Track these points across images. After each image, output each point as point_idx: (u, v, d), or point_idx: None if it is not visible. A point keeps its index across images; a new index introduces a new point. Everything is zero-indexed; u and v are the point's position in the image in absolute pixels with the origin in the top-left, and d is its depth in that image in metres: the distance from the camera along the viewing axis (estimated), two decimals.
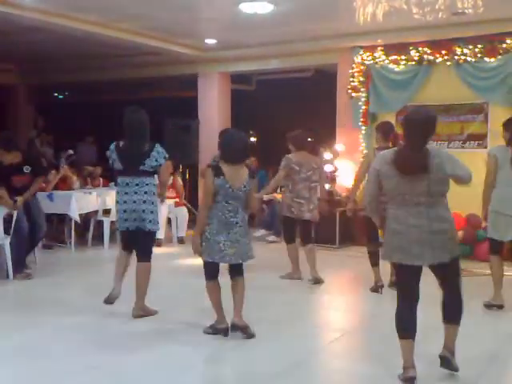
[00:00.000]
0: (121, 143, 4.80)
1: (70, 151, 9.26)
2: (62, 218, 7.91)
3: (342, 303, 5.70)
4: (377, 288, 5.62)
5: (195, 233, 4.26)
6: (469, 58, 7.59)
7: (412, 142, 3.43)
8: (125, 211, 4.74)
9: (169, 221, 8.53)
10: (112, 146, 4.81)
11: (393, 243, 3.48)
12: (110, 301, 4.82)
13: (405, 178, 3.39)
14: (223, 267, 4.35)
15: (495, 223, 5.04)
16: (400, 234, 3.44)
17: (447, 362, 3.56)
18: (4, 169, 6.05)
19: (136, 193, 4.73)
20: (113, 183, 8.08)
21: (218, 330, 4.35)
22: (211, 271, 4.31)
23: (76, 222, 7.61)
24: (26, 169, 6.14)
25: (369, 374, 3.70)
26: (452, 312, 3.55)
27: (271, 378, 3.63)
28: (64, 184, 8.31)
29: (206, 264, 4.30)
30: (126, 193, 4.75)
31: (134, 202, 4.72)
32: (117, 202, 4.82)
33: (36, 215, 6.31)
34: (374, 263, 5.61)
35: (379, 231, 5.59)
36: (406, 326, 3.47)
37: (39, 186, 6.56)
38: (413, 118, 3.51)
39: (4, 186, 6.02)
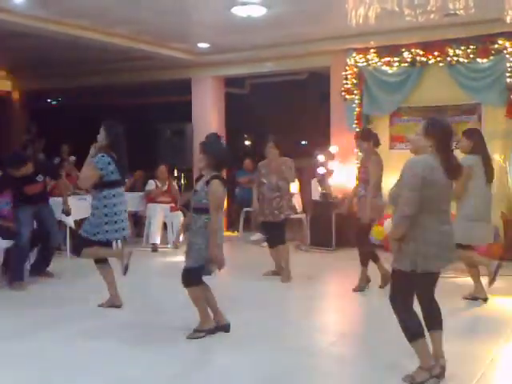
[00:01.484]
0: (114, 155, 4.92)
1: (73, 157, 9.27)
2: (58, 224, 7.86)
3: (338, 306, 5.70)
4: (363, 287, 5.82)
5: (214, 245, 4.19)
6: (461, 59, 7.62)
7: (451, 149, 3.53)
8: (124, 220, 5.04)
9: (164, 226, 8.50)
10: (108, 158, 4.88)
11: (429, 252, 3.41)
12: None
13: (444, 185, 3.44)
14: None
15: (474, 230, 5.21)
16: (435, 242, 3.44)
17: (443, 369, 3.55)
18: (16, 181, 6.11)
19: (126, 202, 5.16)
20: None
21: (209, 331, 4.40)
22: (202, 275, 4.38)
23: (71, 228, 7.57)
24: (39, 178, 6.23)
25: (367, 377, 3.69)
26: (436, 318, 3.62)
27: (267, 382, 3.62)
28: (59, 190, 8.29)
29: (201, 269, 4.31)
30: (122, 203, 5.02)
31: (126, 211, 5.13)
32: (120, 212, 4.95)
33: (50, 224, 6.38)
34: (367, 263, 5.82)
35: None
36: (420, 324, 3.53)
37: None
38: (449, 127, 3.60)
39: (16, 195, 6.09)
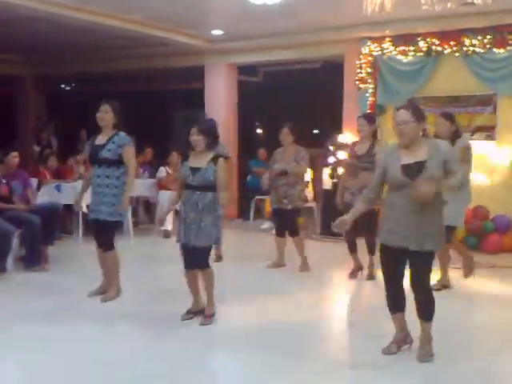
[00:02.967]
0: None
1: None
2: (70, 209, 7.92)
3: (349, 294, 5.73)
4: (356, 273, 6.01)
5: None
6: (477, 49, 7.54)
7: None
8: None
9: (176, 212, 8.52)
10: None
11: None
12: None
13: None
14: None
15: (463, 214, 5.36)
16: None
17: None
18: None
19: None
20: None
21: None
22: None
23: (84, 213, 7.62)
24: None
25: (374, 366, 3.72)
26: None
27: (281, 370, 3.65)
28: (70, 173, 8.40)
29: (211, 248, 4.43)
30: None
31: None
32: None
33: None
34: (374, 251, 5.90)
35: None
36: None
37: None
38: None
39: None
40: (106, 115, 4.88)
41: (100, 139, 4.93)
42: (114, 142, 4.84)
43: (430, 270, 3.64)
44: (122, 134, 4.90)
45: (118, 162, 4.83)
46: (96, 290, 5.11)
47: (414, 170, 3.54)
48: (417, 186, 3.45)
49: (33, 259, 6.05)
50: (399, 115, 3.58)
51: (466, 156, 5.08)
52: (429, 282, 3.69)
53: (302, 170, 6.23)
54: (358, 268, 6.02)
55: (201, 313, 4.50)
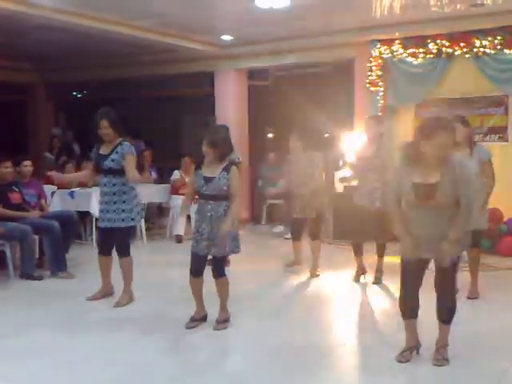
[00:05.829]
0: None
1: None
2: (83, 215, 7.99)
3: (358, 300, 5.70)
4: (359, 276, 5.96)
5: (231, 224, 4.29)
6: (488, 50, 7.50)
7: None
8: None
9: (188, 217, 8.55)
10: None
11: None
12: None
13: None
14: None
15: None
16: None
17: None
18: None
19: None
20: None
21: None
22: None
23: (97, 219, 7.67)
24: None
25: (387, 370, 3.69)
26: None
27: (289, 375, 3.64)
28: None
29: (226, 257, 4.46)
30: None
31: None
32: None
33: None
34: (361, 253, 5.95)
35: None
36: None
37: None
38: None
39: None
40: (107, 131, 4.90)
41: (104, 149, 4.97)
42: (117, 152, 4.89)
43: (456, 270, 3.72)
44: (127, 144, 4.94)
45: (123, 172, 4.89)
46: (95, 293, 5.19)
47: (424, 193, 3.42)
48: (442, 253, 3.45)
49: (57, 265, 6.11)
50: (446, 138, 3.35)
51: (488, 170, 4.94)
52: (455, 282, 3.73)
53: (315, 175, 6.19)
54: (362, 271, 5.98)
55: (204, 319, 4.52)
